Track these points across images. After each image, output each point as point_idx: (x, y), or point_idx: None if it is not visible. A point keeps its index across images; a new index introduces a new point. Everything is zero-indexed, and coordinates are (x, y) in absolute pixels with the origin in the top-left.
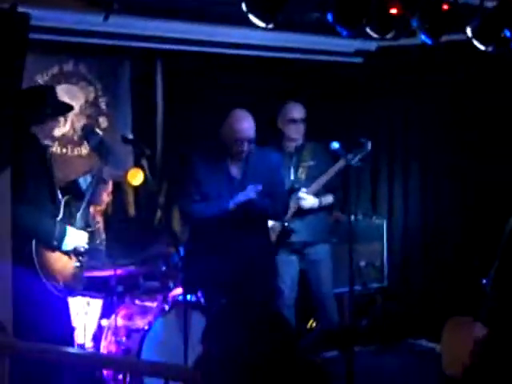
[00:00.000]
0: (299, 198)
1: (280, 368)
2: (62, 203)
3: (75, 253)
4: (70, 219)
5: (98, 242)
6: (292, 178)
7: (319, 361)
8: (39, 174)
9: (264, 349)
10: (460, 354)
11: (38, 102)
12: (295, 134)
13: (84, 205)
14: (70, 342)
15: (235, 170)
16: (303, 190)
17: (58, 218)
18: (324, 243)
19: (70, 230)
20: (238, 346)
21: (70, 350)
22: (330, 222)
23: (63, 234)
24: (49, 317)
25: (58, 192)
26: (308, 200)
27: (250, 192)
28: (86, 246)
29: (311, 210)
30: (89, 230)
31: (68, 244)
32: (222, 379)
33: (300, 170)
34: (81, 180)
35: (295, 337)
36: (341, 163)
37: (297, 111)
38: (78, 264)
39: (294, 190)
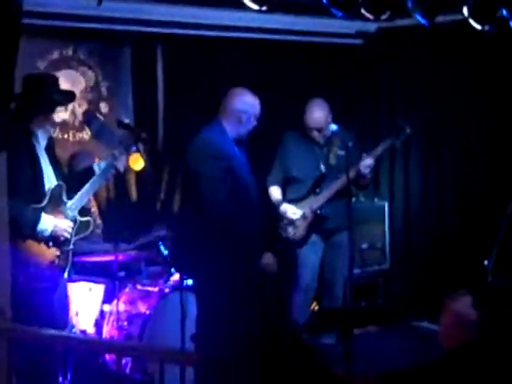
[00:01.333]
0: (362, 165)
1: (271, 349)
2: (49, 191)
3: (53, 241)
4: (56, 207)
5: (91, 228)
6: (322, 165)
7: (311, 344)
8: (21, 160)
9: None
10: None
11: (43, 91)
12: (318, 138)
13: (84, 192)
14: (62, 325)
15: None
16: (364, 155)
17: (40, 205)
18: (346, 229)
19: (44, 217)
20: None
21: (72, 335)
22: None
23: (35, 222)
24: (36, 301)
25: (50, 178)
26: (369, 165)
27: None
28: (67, 235)
29: (339, 193)
30: (81, 219)
31: (42, 231)
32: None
33: (331, 156)
34: (95, 166)
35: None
36: (386, 143)
37: (319, 119)
38: (57, 253)
39: (324, 178)
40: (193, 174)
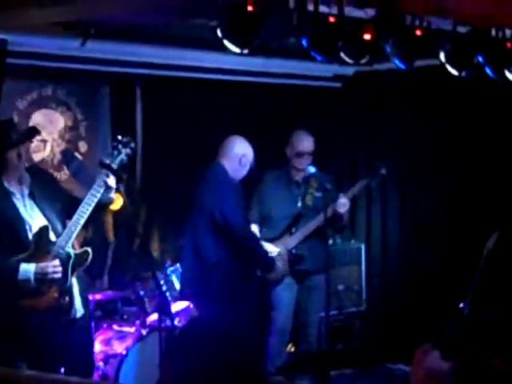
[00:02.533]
0: (338, 204)
1: None
2: (33, 238)
3: (44, 286)
4: (45, 251)
5: (91, 257)
6: (299, 204)
7: None
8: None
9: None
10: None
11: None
12: (303, 165)
13: (71, 224)
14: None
15: None
16: (340, 195)
17: (22, 256)
18: (322, 272)
19: (24, 266)
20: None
21: (44, 375)
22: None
23: (13, 274)
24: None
25: (37, 224)
26: (345, 205)
27: None
28: (55, 275)
29: (315, 234)
30: (76, 252)
31: (24, 281)
32: None
33: (307, 197)
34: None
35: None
36: (362, 183)
37: (307, 143)
38: (55, 295)
39: (300, 217)
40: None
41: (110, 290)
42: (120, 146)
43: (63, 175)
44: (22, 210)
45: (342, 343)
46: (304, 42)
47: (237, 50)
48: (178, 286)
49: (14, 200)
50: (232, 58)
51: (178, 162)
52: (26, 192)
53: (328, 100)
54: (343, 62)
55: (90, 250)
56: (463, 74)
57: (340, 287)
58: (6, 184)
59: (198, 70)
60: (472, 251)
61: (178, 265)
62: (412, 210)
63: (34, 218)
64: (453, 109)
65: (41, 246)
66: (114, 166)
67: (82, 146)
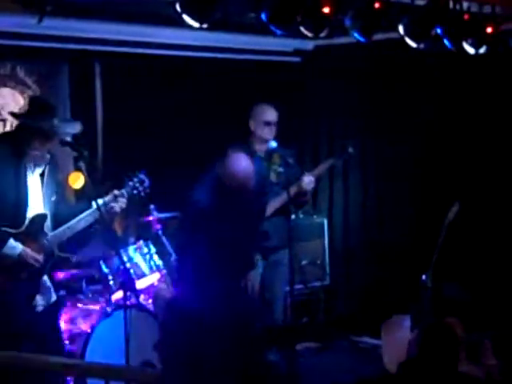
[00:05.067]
0: (302, 181)
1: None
2: (29, 219)
3: (20, 267)
4: (34, 237)
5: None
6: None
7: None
8: (4, 181)
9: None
10: (397, 351)
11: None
12: (269, 135)
13: (67, 227)
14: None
15: None
16: (306, 173)
17: (14, 231)
18: (286, 247)
19: (12, 242)
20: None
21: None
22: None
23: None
24: None
25: (37, 206)
26: (311, 182)
27: None
28: (35, 264)
29: (279, 211)
30: (60, 254)
31: (7, 255)
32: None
33: (271, 173)
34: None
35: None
36: (328, 162)
37: (271, 114)
38: (23, 276)
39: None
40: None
41: (73, 268)
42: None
43: None
44: (30, 187)
45: (307, 317)
46: (263, 16)
47: (196, 25)
48: (141, 263)
49: (28, 175)
50: (191, 34)
51: (137, 138)
52: (39, 171)
53: (288, 75)
54: (303, 36)
55: (72, 256)
56: (421, 46)
57: (304, 262)
58: (27, 158)
59: (156, 46)
60: (432, 223)
61: (141, 242)
62: (373, 184)
63: (34, 200)
64: (413, 81)
65: (32, 232)
66: (74, 143)
67: None
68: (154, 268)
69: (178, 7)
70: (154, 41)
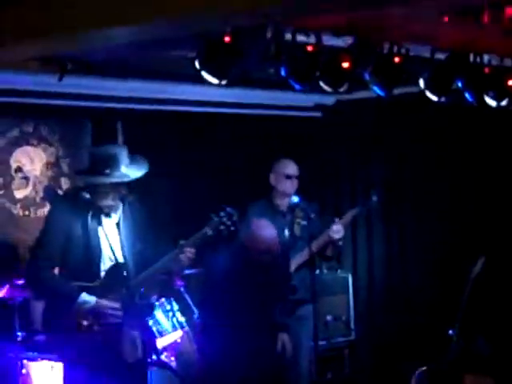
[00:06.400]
0: (331, 230)
1: None
2: (104, 272)
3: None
4: (113, 289)
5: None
6: (287, 234)
7: None
8: (74, 237)
9: None
10: None
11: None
12: (290, 189)
13: (146, 274)
14: None
15: None
16: (335, 221)
17: (87, 284)
18: (310, 302)
19: (84, 295)
20: None
21: None
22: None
23: (72, 296)
24: None
25: (113, 256)
26: (340, 231)
27: None
28: (113, 313)
29: (305, 264)
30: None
31: (83, 303)
32: None
33: (295, 227)
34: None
35: None
36: (355, 211)
37: (291, 168)
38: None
39: (290, 248)
40: None
41: None
42: None
43: (46, 212)
44: (102, 236)
45: (331, 373)
46: (282, 72)
47: (215, 82)
48: (163, 320)
49: (99, 227)
50: (212, 90)
51: (160, 194)
52: (114, 221)
53: (309, 129)
54: (322, 91)
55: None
56: (443, 99)
57: (328, 318)
58: (100, 204)
59: (178, 103)
60: (458, 278)
61: (163, 299)
62: (397, 238)
63: (111, 251)
64: (435, 134)
65: (109, 284)
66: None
67: (65, 183)
68: (177, 326)
69: (196, 64)
70: (176, 97)
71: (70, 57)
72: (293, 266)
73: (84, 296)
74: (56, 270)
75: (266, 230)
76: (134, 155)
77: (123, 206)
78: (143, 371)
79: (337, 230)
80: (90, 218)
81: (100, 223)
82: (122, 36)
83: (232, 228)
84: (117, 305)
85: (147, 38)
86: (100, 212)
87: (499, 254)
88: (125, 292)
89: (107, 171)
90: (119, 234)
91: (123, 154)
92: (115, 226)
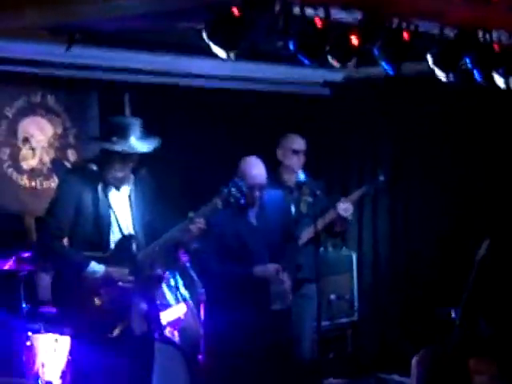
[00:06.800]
0: (338, 207)
1: None
2: (114, 243)
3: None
4: (122, 260)
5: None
6: (293, 211)
7: None
8: (85, 208)
9: None
10: None
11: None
12: (297, 164)
13: (155, 244)
14: None
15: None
16: (342, 199)
17: (98, 255)
18: (314, 280)
19: (94, 264)
20: None
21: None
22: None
23: (81, 265)
24: None
25: (123, 228)
26: (348, 209)
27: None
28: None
29: (310, 242)
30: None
31: (92, 272)
32: None
33: (301, 204)
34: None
35: None
36: (363, 189)
37: (298, 143)
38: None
39: (297, 223)
40: None
41: None
42: None
43: (52, 183)
44: (112, 207)
45: (334, 352)
46: (291, 46)
47: (223, 54)
48: (167, 293)
49: (110, 198)
50: (220, 64)
51: (167, 169)
52: (125, 193)
53: (318, 107)
54: (330, 66)
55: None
56: (450, 77)
57: (332, 297)
58: (110, 176)
59: (186, 76)
60: (463, 258)
61: (167, 273)
62: (403, 217)
63: (122, 222)
64: (443, 113)
65: (118, 255)
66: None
67: (72, 154)
68: (180, 299)
69: (204, 36)
70: (184, 71)
71: (78, 27)
72: (300, 242)
73: (93, 265)
74: (65, 241)
75: (255, 167)
76: (147, 130)
77: (135, 178)
78: (150, 344)
79: (345, 208)
80: (100, 189)
81: (109, 195)
82: (131, 7)
83: (241, 200)
84: (126, 271)
85: (156, 10)
86: (110, 184)
87: (504, 235)
88: (134, 263)
89: (114, 139)
90: (130, 205)
91: (135, 127)
92: (127, 198)
